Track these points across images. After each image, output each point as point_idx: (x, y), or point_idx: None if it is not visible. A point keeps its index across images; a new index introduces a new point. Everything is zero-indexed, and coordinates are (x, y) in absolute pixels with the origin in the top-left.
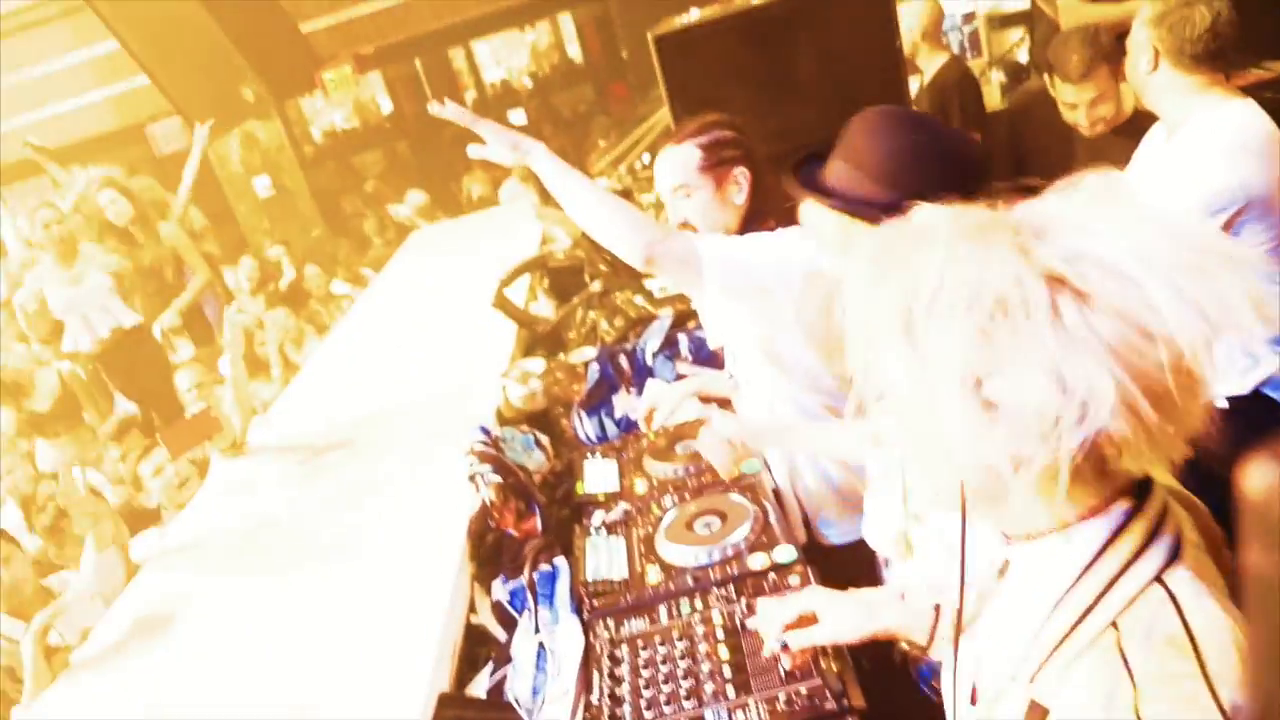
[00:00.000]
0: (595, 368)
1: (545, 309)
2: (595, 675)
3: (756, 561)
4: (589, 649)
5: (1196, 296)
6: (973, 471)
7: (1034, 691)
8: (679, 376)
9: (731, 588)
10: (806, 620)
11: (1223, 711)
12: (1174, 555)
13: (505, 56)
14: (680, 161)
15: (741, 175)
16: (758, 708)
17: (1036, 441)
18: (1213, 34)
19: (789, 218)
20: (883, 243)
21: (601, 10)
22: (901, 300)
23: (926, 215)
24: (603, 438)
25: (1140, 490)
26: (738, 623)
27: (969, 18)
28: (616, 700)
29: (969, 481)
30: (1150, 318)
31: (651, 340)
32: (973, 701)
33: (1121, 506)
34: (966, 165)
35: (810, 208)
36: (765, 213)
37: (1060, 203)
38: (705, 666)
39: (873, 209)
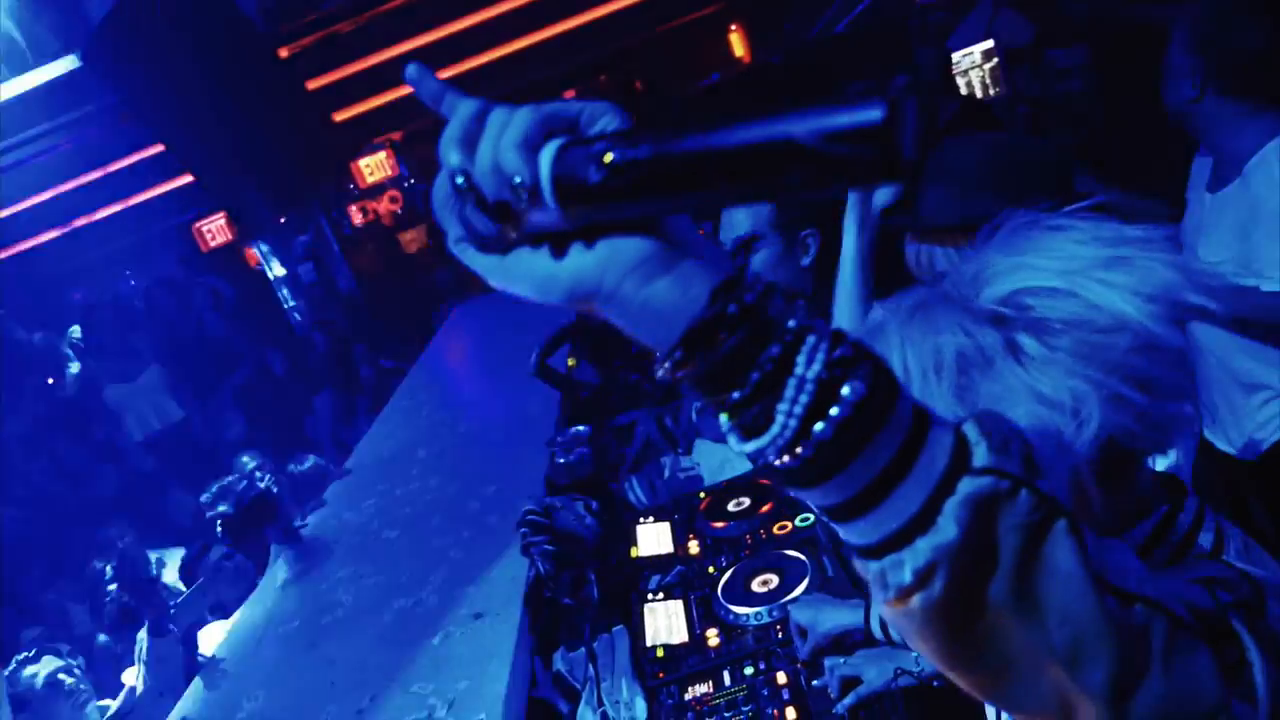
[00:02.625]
0: (641, 430)
1: (588, 374)
2: None
3: None
4: (653, 718)
5: (1125, 282)
6: None
7: None
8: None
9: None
10: None
11: None
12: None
13: None
14: (752, 212)
15: (811, 239)
16: None
17: (1052, 464)
18: (1266, 54)
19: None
20: None
21: (627, 79)
22: None
23: (873, 315)
24: (653, 500)
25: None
26: (802, 683)
27: (989, 54)
28: None
29: None
30: (1097, 316)
31: (696, 399)
32: None
33: (1161, 507)
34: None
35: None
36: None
37: (986, 251)
38: None
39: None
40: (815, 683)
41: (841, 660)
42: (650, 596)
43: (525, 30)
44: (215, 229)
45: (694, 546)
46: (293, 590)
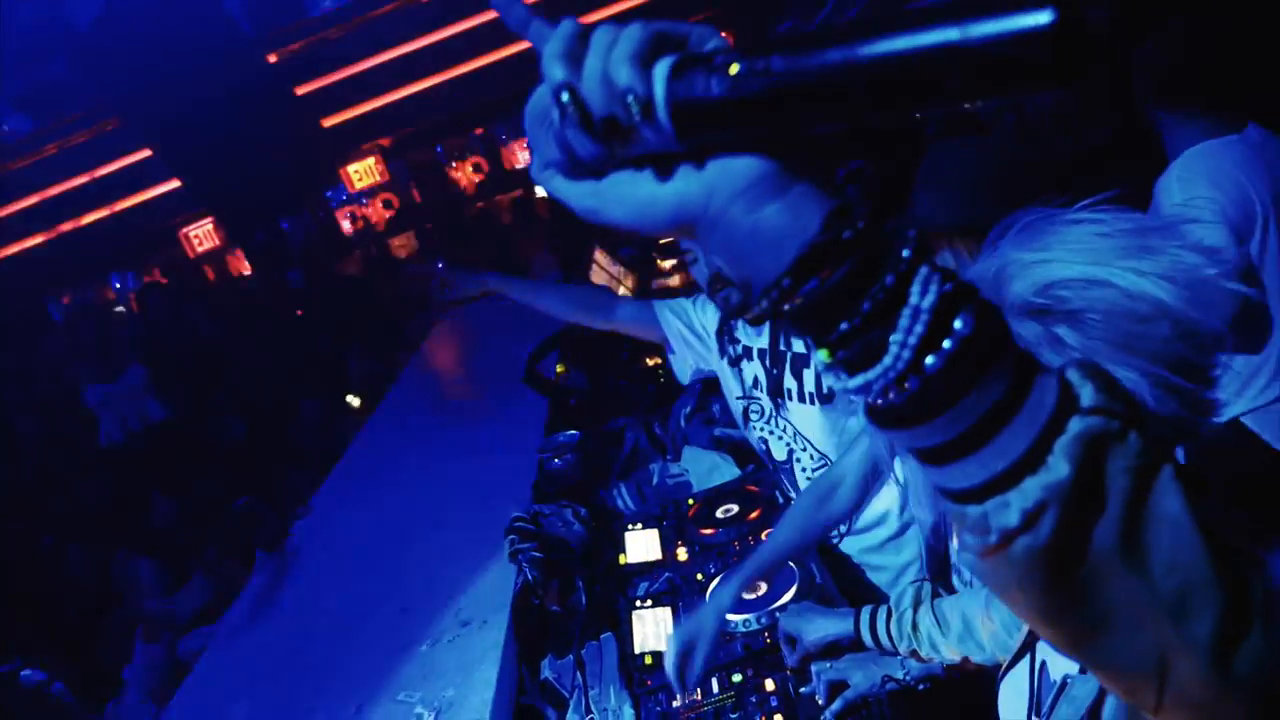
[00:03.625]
0: (630, 436)
1: (577, 380)
2: None
3: None
4: None
5: (1157, 269)
6: None
7: None
8: (714, 441)
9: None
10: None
11: None
12: None
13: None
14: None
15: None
16: None
17: None
18: (1180, 71)
19: None
20: None
21: None
22: None
23: None
24: (642, 507)
25: None
26: (790, 690)
27: None
28: None
29: None
30: (1133, 304)
31: (684, 406)
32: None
33: None
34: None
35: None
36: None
37: (1002, 249)
38: None
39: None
40: (803, 689)
41: (828, 664)
42: (638, 603)
43: (515, 37)
44: (203, 234)
45: (682, 553)
46: (279, 597)
